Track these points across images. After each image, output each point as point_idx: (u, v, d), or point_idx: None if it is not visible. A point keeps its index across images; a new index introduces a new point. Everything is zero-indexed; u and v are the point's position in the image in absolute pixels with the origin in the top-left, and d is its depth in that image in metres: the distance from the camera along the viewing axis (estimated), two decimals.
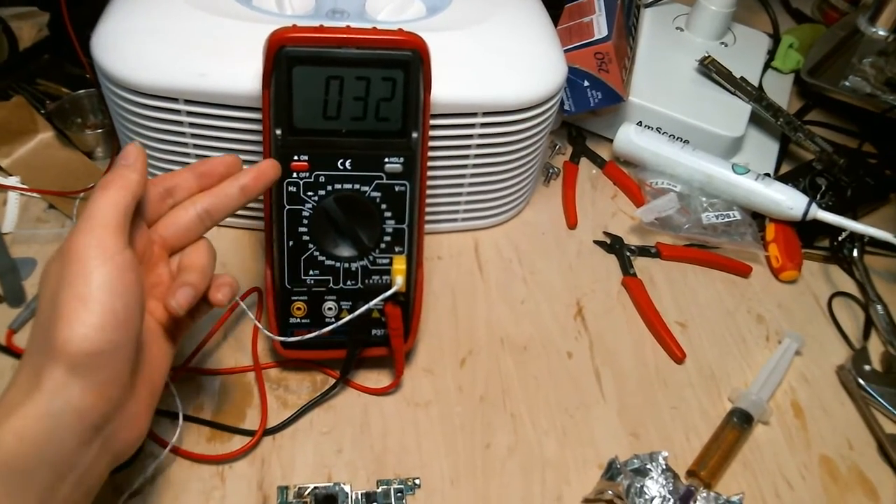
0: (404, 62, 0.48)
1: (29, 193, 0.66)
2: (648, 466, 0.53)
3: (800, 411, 0.60)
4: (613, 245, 0.70)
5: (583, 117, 0.80)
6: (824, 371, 0.64)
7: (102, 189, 0.39)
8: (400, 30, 0.49)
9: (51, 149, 0.69)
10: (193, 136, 0.59)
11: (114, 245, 0.37)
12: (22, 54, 0.73)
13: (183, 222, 0.45)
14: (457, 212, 0.67)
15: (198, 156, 0.60)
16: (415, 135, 0.51)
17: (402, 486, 0.51)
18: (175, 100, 0.56)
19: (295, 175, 0.50)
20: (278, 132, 0.49)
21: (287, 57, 0.47)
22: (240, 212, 0.63)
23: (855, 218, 0.72)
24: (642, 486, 0.52)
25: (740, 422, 0.57)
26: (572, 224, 0.72)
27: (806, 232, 0.72)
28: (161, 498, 0.49)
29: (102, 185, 0.40)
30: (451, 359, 0.60)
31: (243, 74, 0.55)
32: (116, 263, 0.37)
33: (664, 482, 0.52)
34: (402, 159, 0.51)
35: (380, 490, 0.51)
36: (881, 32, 0.81)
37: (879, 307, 0.68)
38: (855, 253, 0.72)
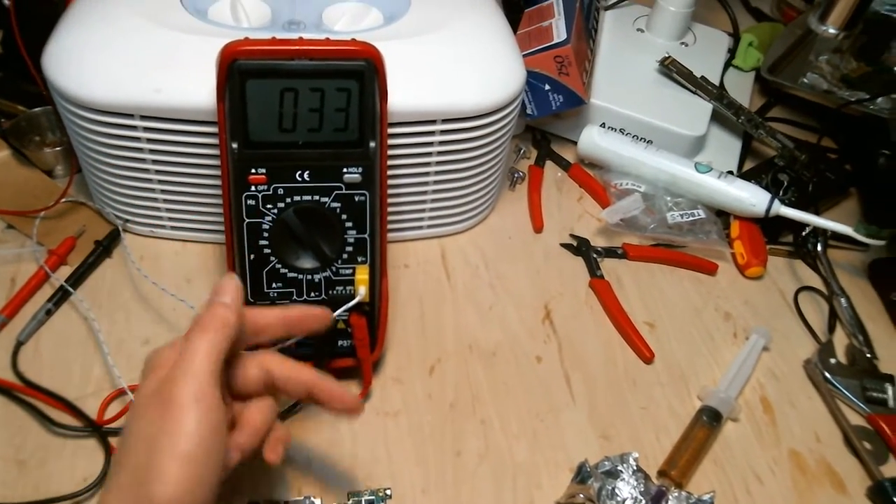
0: (358, 72, 0.48)
1: None
2: (619, 468, 0.53)
3: (769, 407, 0.61)
4: (580, 247, 0.70)
5: (546, 121, 0.80)
6: (792, 366, 0.64)
7: (202, 331, 0.39)
8: (353, 39, 0.49)
9: (7, 168, 0.68)
10: (152, 151, 0.58)
11: (212, 396, 0.37)
12: None
13: (252, 376, 0.44)
14: (421, 219, 0.67)
15: (157, 171, 0.59)
16: (372, 144, 0.50)
17: (372, 498, 0.51)
18: (130, 115, 0.55)
19: (253, 188, 0.50)
20: (234, 146, 0.49)
21: (240, 70, 0.47)
22: (204, 226, 0.64)
23: (817, 213, 0.73)
24: (614, 488, 0.52)
25: (710, 420, 0.58)
26: (538, 228, 0.72)
27: (770, 228, 0.73)
28: None
29: (201, 326, 0.39)
30: (420, 367, 0.59)
31: (199, 89, 0.54)
32: (213, 421, 0.37)
33: (635, 483, 0.52)
34: (360, 169, 0.50)
35: (350, 502, 0.51)
36: (831, 31, 0.82)
37: (843, 300, 0.69)
38: (819, 247, 0.72)
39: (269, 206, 0.50)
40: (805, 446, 0.58)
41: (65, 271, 0.62)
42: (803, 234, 0.73)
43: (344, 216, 0.51)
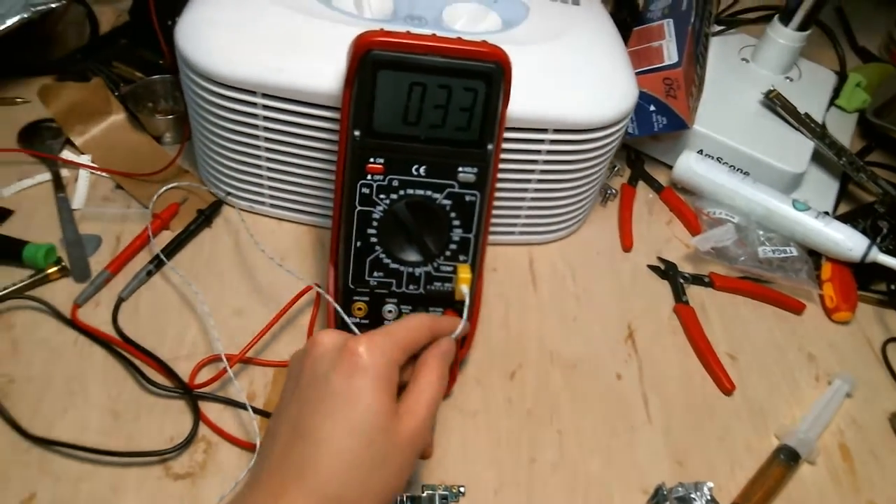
0: (487, 73, 0.49)
1: (98, 172, 0.67)
2: (692, 495, 0.53)
3: (848, 454, 0.60)
4: (667, 271, 0.70)
5: (643, 141, 0.80)
6: (875, 416, 0.63)
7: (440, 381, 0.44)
8: (484, 42, 0.49)
9: (122, 131, 0.70)
10: (266, 129, 0.59)
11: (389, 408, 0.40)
12: (102, 38, 0.76)
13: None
14: (516, 225, 0.67)
15: (268, 149, 0.61)
16: (490, 146, 0.51)
17: (446, 493, 0.52)
18: (253, 93, 0.57)
19: (370, 177, 0.51)
20: (357, 133, 0.50)
21: (374, 60, 0.48)
22: (303, 207, 0.65)
23: None
24: None
25: (787, 459, 0.57)
26: (627, 246, 0.72)
27: (863, 274, 0.72)
28: (211, 482, 0.50)
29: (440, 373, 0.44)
30: (502, 370, 0.60)
31: (320, 72, 0.56)
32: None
33: None
34: (475, 169, 0.51)
35: (424, 495, 0.51)
36: None
37: None
38: None
39: (382, 196, 0.51)
40: (886, 500, 0.57)
41: (166, 235, 0.64)
42: None
43: (453, 214, 0.52)
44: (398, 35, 0.48)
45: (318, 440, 0.39)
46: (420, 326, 0.44)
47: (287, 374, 0.44)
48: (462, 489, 0.52)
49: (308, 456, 0.38)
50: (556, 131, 0.59)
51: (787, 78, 0.86)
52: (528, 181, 0.63)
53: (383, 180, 0.51)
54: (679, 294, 0.68)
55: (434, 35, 0.49)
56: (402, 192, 0.51)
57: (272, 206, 0.66)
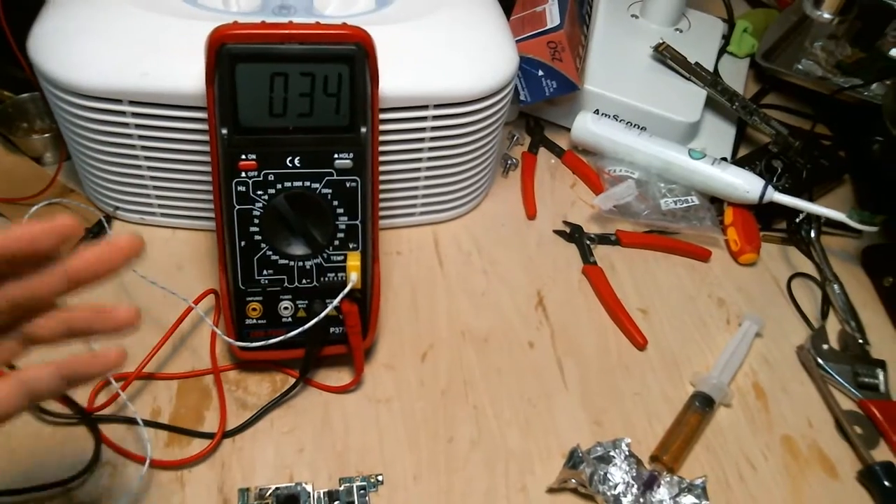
0: (349, 56, 0.48)
1: None
2: (612, 453, 0.53)
3: (761, 393, 0.61)
4: (573, 234, 0.70)
5: (539, 107, 0.79)
6: (784, 352, 0.64)
7: None
8: (344, 24, 0.48)
9: None
10: (140, 137, 0.57)
11: None
12: None
13: None
14: (414, 206, 0.66)
15: (146, 157, 0.59)
16: (364, 129, 0.50)
17: (364, 484, 0.51)
18: (118, 101, 0.55)
19: (243, 174, 0.49)
20: (224, 131, 0.48)
21: (229, 54, 0.46)
22: (194, 213, 0.63)
23: (811, 199, 0.73)
24: (606, 474, 0.52)
25: (702, 406, 0.58)
26: (531, 214, 0.72)
27: (764, 215, 0.73)
28: None
29: None
30: (412, 353, 0.59)
31: (187, 73, 0.54)
32: None
33: (627, 468, 0.52)
34: (351, 154, 0.50)
35: (342, 488, 0.51)
36: (826, 16, 0.82)
37: (836, 286, 0.68)
38: (812, 234, 0.72)
39: (259, 192, 0.50)
40: (797, 432, 0.58)
41: None
42: (797, 220, 0.73)
43: (335, 202, 0.51)
44: (252, 26, 0.47)
45: None
46: None
47: None
48: (380, 477, 0.52)
49: None
50: (438, 106, 0.58)
51: (677, 30, 0.87)
52: (419, 160, 0.62)
53: (258, 176, 0.49)
54: (586, 255, 0.69)
55: (290, 22, 0.48)
56: (279, 186, 0.50)
57: (163, 215, 0.64)
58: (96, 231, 0.63)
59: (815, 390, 0.61)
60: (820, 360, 0.62)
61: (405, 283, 0.64)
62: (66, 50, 0.55)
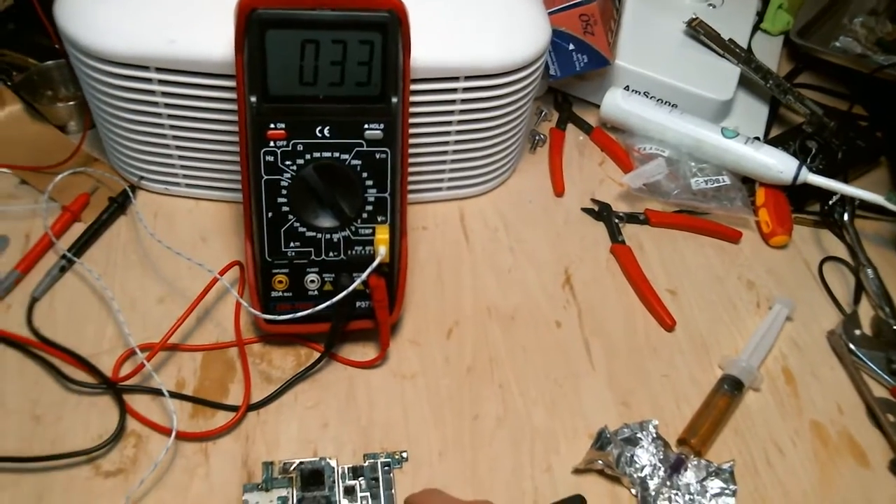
0: (382, 24, 0.47)
1: None
2: (639, 435, 0.52)
3: (791, 377, 0.60)
4: (601, 212, 0.69)
5: (569, 82, 0.78)
6: (815, 336, 0.63)
7: None
8: None
9: (20, 123, 0.67)
10: (167, 105, 0.57)
11: None
12: None
13: None
14: (441, 180, 0.65)
15: (172, 126, 0.58)
16: (395, 100, 0.49)
17: (388, 460, 0.51)
18: (145, 68, 0.54)
19: (272, 144, 0.48)
20: (253, 100, 0.48)
21: (259, 20, 0.45)
22: (219, 184, 0.63)
23: (846, 181, 0.71)
24: (633, 455, 0.51)
25: (731, 389, 0.57)
26: (559, 192, 0.70)
27: (796, 196, 0.71)
28: (143, 475, 0.48)
29: None
30: (438, 330, 0.59)
31: (215, 40, 0.53)
32: None
33: (654, 451, 0.52)
34: (382, 125, 0.49)
35: (367, 464, 0.50)
36: None
37: (870, 271, 0.67)
38: (846, 217, 0.71)
39: (287, 162, 0.49)
40: (827, 418, 0.57)
41: (79, 228, 0.61)
42: (830, 202, 0.71)
43: (364, 174, 0.50)
44: None
45: None
46: None
47: None
48: (405, 454, 0.51)
49: None
50: (468, 78, 0.57)
51: (710, 5, 0.85)
52: (447, 133, 0.61)
53: (287, 146, 0.49)
54: (615, 234, 0.68)
55: None
56: (308, 157, 0.49)
57: (187, 185, 0.64)
58: (121, 201, 0.62)
59: (846, 376, 0.60)
60: (852, 346, 0.61)
61: (431, 258, 0.63)
62: (93, 15, 0.54)
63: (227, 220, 0.64)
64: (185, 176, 0.63)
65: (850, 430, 0.57)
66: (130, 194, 0.63)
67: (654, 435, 0.53)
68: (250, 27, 0.46)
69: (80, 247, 0.60)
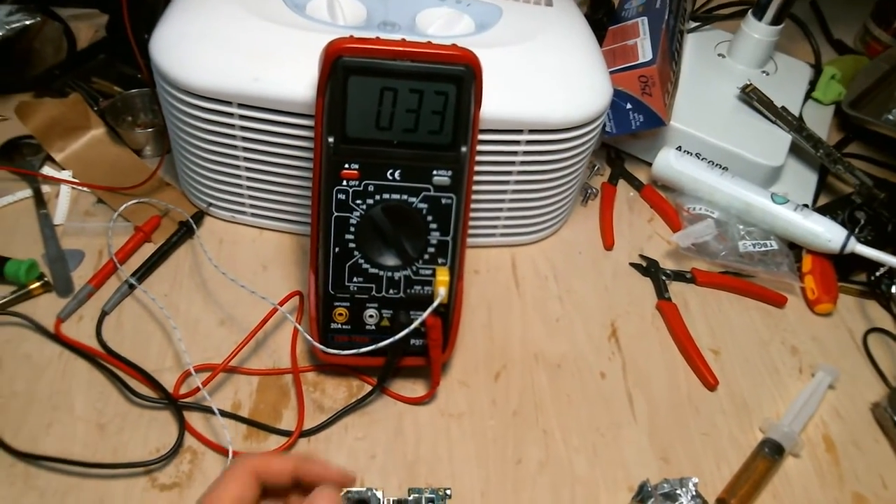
0: (457, 77, 0.49)
1: (80, 187, 0.67)
2: (678, 491, 0.53)
3: (832, 446, 0.60)
4: (649, 268, 0.70)
5: (623, 139, 0.80)
6: (858, 407, 0.63)
7: None
8: (454, 45, 0.50)
9: (102, 145, 0.71)
10: (244, 139, 0.60)
11: None
12: (79, 53, 0.76)
13: None
14: (496, 227, 0.67)
15: (247, 159, 0.61)
16: (464, 149, 0.51)
17: (433, 496, 0.51)
18: (229, 103, 0.57)
19: (345, 183, 0.51)
20: (331, 140, 0.50)
21: (344, 66, 0.48)
22: (284, 216, 0.65)
23: (894, 253, 0.71)
24: None
25: (771, 452, 0.57)
26: (609, 245, 0.72)
27: (843, 265, 0.72)
28: (197, 492, 0.50)
29: None
30: (486, 372, 0.60)
31: (296, 81, 0.56)
32: None
33: None
34: (450, 172, 0.51)
35: (411, 498, 0.51)
36: None
37: None
38: (893, 289, 0.71)
39: (358, 201, 0.51)
40: (871, 491, 0.57)
41: (149, 248, 0.64)
42: (877, 273, 0.72)
43: (430, 217, 0.52)
44: (368, 41, 0.48)
45: None
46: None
47: None
48: (448, 491, 0.52)
49: None
50: (532, 132, 0.59)
51: (764, 72, 0.87)
52: (506, 182, 0.63)
53: (359, 185, 0.51)
54: (661, 291, 0.69)
55: (403, 40, 0.49)
56: (377, 197, 0.51)
57: (253, 215, 0.66)
58: (189, 226, 0.65)
59: (891, 450, 0.60)
60: None
61: (481, 302, 0.65)
62: (184, 52, 0.58)
63: (287, 251, 0.66)
64: (252, 206, 0.66)
65: None
66: (193, 225, 0.65)
67: (694, 493, 0.53)
68: (334, 72, 0.49)
69: (149, 268, 0.62)
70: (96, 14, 0.77)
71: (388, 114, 0.50)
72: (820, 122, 0.88)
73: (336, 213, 0.52)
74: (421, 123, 0.50)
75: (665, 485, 0.53)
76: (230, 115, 0.58)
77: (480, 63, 0.50)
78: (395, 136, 0.51)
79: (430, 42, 0.50)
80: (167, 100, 0.60)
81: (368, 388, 0.57)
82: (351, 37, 0.49)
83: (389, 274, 0.53)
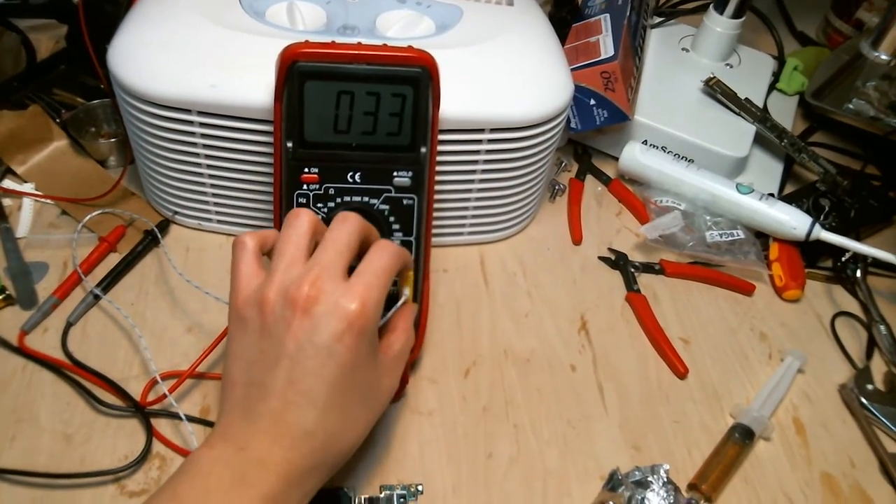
0: (414, 78, 0.49)
1: (43, 200, 0.67)
2: (650, 479, 0.53)
3: (801, 428, 0.61)
4: (618, 261, 0.71)
5: (589, 135, 0.81)
6: (826, 389, 0.64)
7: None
8: (410, 46, 0.50)
9: (65, 156, 0.70)
10: (205, 146, 0.60)
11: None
12: (39, 65, 0.75)
13: None
14: (463, 226, 0.68)
15: (209, 165, 0.61)
16: (423, 150, 0.52)
17: (404, 493, 0.52)
18: (188, 111, 0.57)
19: (305, 187, 0.51)
20: (289, 145, 0.50)
21: (299, 71, 0.48)
22: (250, 221, 0.65)
23: (858, 239, 0.73)
24: (643, 498, 0.52)
25: (742, 437, 0.58)
26: (577, 240, 0.73)
27: (809, 252, 0.73)
28: None
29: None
30: (455, 369, 0.60)
31: (255, 87, 0.56)
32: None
33: (665, 494, 0.52)
34: (410, 173, 0.52)
35: (383, 495, 0.52)
36: (883, 57, 0.82)
37: (882, 327, 0.68)
38: (858, 273, 0.72)
39: (319, 205, 0.51)
40: (839, 470, 0.58)
41: (114, 258, 0.64)
42: (843, 259, 0.73)
43: (392, 218, 0.52)
44: (323, 45, 0.49)
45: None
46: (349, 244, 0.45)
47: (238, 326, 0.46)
48: (420, 487, 0.53)
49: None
50: (493, 130, 0.59)
51: (727, 65, 0.88)
52: (471, 181, 0.63)
53: (319, 189, 0.51)
54: (630, 283, 0.69)
55: (359, 43, 0.49)
56: (339, 200, 0.52)
57: (219, 222, 0.66)
58: (154, 235, 0.65)
59: (859, 430, 0.61)
60: (864, 401, 0.62)
61: (450, 300, 0.65)
62: (142, 61, 0.57)
63: None
64: (217, 213, 0.66)
65: (863, 484, 0.57)
66: (158, 234, 0.65)
67: (665, 479, 0.53)
68: (290, 78, 0.49)
69: (114, 277, 0.62)
70: (55, 25, 0.76)
71: (346, 117, 0.50)
72: (784, 112, 0.89)
73: None
74: (379, 126, 0.50)
75: (636, 472, 0.53)
76: (190, 122, 0.58)
77: (437, 64, 0.50)
78: (353, 138, 0.51)
79: (385, 45, 0.50)
80: (127, 109, 0.60)
81: None
82: (306, 41, 0.49)
83: None
